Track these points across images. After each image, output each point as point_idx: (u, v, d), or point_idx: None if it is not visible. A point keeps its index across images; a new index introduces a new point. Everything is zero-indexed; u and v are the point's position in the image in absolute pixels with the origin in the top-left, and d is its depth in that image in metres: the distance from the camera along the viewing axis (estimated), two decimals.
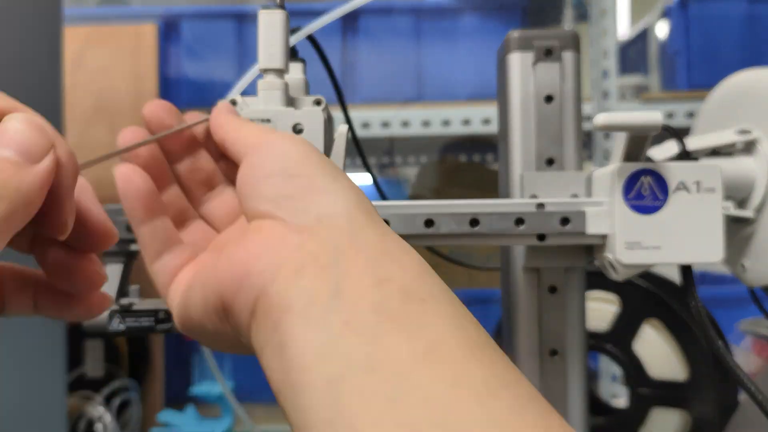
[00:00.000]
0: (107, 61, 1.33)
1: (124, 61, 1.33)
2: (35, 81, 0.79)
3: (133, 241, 0.44)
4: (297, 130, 0.39)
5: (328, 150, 0.40)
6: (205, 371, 1.25)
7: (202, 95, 1.40)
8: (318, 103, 0.39)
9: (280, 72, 0.39)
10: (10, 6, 0.76)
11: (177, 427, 1.19)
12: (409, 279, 0.25)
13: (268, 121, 0.38)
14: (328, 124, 0.40)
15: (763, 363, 0.88)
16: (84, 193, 0.29)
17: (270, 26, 0.39)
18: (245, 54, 1.39)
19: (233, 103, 0.39)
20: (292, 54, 0.45)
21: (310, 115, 0.39)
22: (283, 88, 0.39)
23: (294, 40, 0.47)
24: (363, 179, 1.66)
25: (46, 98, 0.81)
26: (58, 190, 0.25)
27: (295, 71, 0.44)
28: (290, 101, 0.40)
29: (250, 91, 0.40)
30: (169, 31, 1.41)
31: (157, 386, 1.31)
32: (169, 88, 1.40)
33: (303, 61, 0.45)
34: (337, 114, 0.55)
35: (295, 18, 0.41)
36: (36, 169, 0.23)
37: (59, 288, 0.30)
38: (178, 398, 1.31)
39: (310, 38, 0.49)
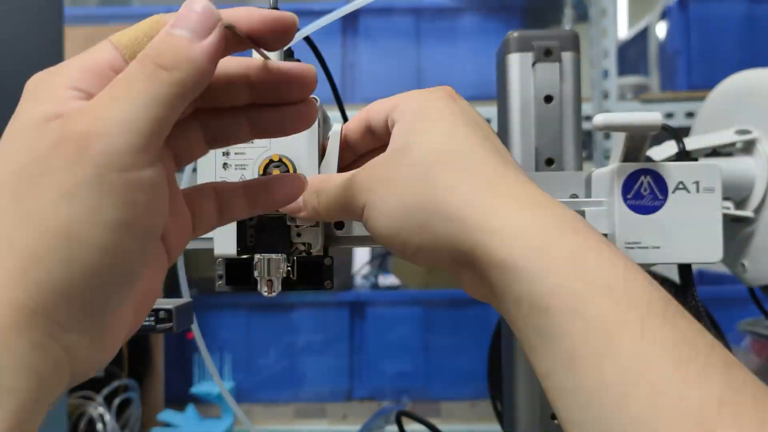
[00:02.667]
0: None
1: None
2: None
3: None
4: None
5: (322, 149, 0.40)
6: (206, 371, 1.25)
7: None
8: None
9: None
10: (11, 6, 0.76)
11: (177, 427, 1.19)
12: None
13: None
14: (323, 123, 0.40)
15: (763, 363, 0.88)
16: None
17: None
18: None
19: None
20: (288, 55, 0.45)
21: None
22: None
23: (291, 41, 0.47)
24: None
25: None
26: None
27: None
28: None
29: None
30: None
31: (157, 386, 1.31)
32: None
33: (299, 61, 0.45)
34: (335, 114, 0.55)
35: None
36: (204, 42, 0.26)
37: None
38: (178, 398, 1.31)
39: (307, 39, 0.49)
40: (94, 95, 0.26)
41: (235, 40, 0.29)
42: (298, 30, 0.49)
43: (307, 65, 0.31)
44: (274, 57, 0.38)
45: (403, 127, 0.34)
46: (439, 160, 0.32)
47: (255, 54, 0.31)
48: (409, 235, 0.32)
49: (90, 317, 0.25)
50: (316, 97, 0.40)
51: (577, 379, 0.26)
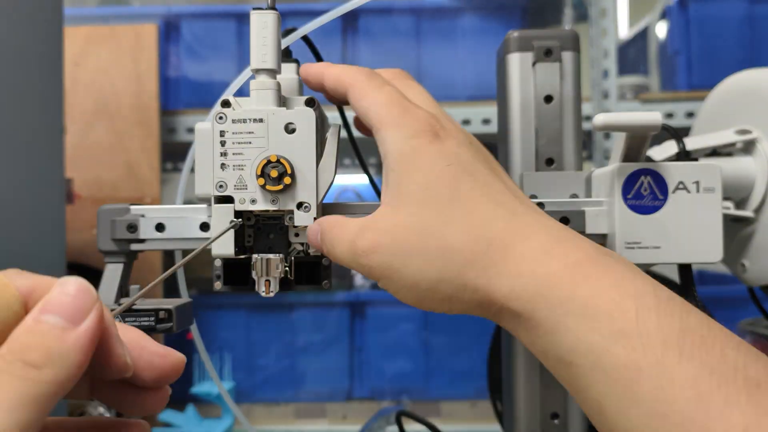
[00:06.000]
0: (107, 61, 1.33)
1: (124, 61, 1.33)
2: (35, 81, 0.79)
3: (134, 240, 0.44)
4: (289, 129, 0.39)
5: (320, 149, 0.40)
6: (206, 371, 1.25)
7: (202, 95, 1.40)
8: (310, 102, 0.39)
9: (272, 72, 0.39)
10: (10, 6, 0.76)
11: (177, 427, 1.19)
12: None
13: (261, 121, 0.38)
14: (321, 123, 0.40)
15: None
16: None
17: (262, 27, 0.39)
18: (245, 54, 1.39)
19: (226, 103, 0.39)
20: (286, 54, 0.45)
21: (302, 115, 0.39)
22: (276, 88, 0.39)
23: (289, 40, 0.47)
24: (360, 179, 1.67)
25: (46, 98, 0.82)
26: (106, 338, 0.25)
27: (289, 71, 0.44)
28: (283, 101, 0.40)
29: (246, 92, 0.40)
30: (169, 31, 1.41)
31: None
32: (169, 88, 1.40)
33: (296, 61, 0.45)
34: (334, 114, 0.54)
35: (295, 18, 0.41)
36: (79, 329, 0.24)
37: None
38: (178, 398, 1.31)
39: (305, 38, 0.49)
40: None
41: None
42: (295, 29, 0.49)
43: (179, 359, 0.28)
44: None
45: (397, 177, 0.34)
46: (449, 228, 0.32)
47: None
48: (436, 305, 0.33)
49: None
50: (313, 96, 0.40)
51: (609, 424, 0.28)
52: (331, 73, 0.38)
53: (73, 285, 0.24)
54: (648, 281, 0.30)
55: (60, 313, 0.24)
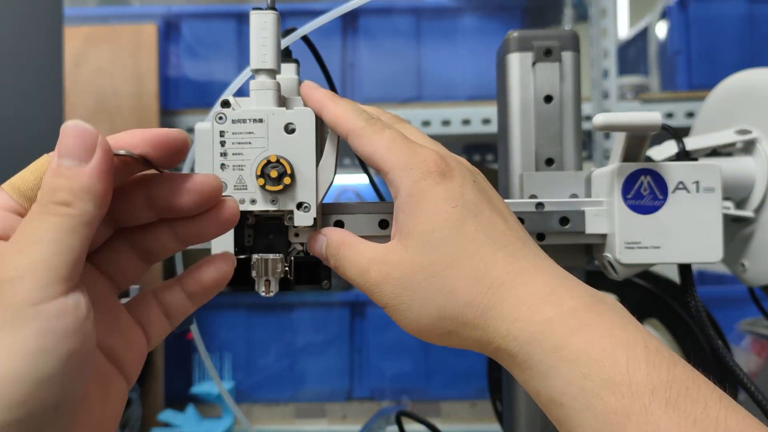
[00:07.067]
0: (108, 61, 1.33)
1: (125, 61, 1.33)
2: (35, 81, 0.79)
3: None
4: (289, 129, 0.39)
5: (320, 149, 0.40)
6: (206, 371, 1.25)
7: (202, 95, 1.40)
8: None
9: (272, 72, 0.39)
10: (10, 6, 0.76)
11: (177, 426, 1.19)
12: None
13: (260, 121, 0.38)
14: (321, 123, 0.40)
15: (763, 363, 0.88)
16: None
17: (261, 27, 0.39)
18: (245, 54, 1.39)
19: (226, 104, 0.39)
20: (286, 54, 0.45)
21: (302, 115, 0.39)
22: (275, 89, 0.39)
23: (289, 40, 0.47)
24: (360, 179, 1.67)
25: (46, 98, 0.82)
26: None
27: (289, 71, 0.44)
28: (282, 101, 0.40)
29: (246, 92, 0.40)
30: (169, 31, 1.41)
31: (157, 386, 1.31)
32: (169, 88, 1.40)
33: (296, 61, 0.45)
34: None
35: (295, 18, 0.41)
36: (90, 165, 0.27)
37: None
38: (178, 398, 1.31)
39: (305, 39, 0.49)
40: None
41: (133, 162, 0.30)
42: (295, 29, 0.48)
43: (206, 176, 0.31)
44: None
45: (406, 217, 0.35)
46: (452, 270, 0.34)
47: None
48: (436, 339, 0.35)
49: None
50: None
51: None
52: (329, 112, 0.38)
53: (71, 127, 0.28)
54: (639, 330, 0.31)
55: (70, 155, 0.27)
